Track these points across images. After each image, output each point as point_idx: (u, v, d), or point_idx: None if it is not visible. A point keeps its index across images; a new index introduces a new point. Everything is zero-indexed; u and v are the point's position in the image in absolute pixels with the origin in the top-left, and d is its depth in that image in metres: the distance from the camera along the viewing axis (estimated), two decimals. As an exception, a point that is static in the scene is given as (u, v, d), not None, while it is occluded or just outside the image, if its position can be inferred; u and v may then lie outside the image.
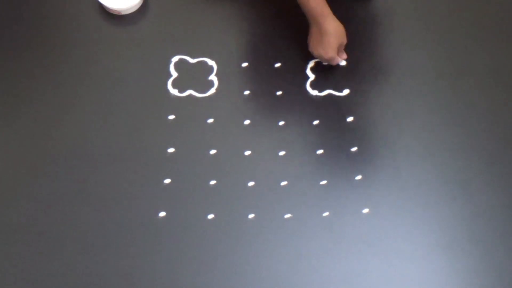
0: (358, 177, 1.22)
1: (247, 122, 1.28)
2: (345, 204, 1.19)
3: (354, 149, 1.25)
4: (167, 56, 1.35)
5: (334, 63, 1.27)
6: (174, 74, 1.33)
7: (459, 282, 1.13)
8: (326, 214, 1.19)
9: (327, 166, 1.23)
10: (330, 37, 1.22)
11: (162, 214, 1.19)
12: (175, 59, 1.35)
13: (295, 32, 1.37)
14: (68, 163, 1.24)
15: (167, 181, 1.22)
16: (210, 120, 1.29)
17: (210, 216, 1.19)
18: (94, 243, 1.17)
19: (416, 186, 1.21)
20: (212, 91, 1.32)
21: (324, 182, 1.22)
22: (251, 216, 1.19)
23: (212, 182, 1.22)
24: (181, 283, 1.13)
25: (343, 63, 1.32)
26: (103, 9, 1.41)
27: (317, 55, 1.26)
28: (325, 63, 1.32)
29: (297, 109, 1.29)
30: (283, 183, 1.22)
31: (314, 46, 1.25)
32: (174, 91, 1.32)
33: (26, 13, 1.42)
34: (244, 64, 1.35)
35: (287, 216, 1.19)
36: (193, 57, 1.35)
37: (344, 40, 1.25)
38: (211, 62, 1.34)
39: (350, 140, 1.26)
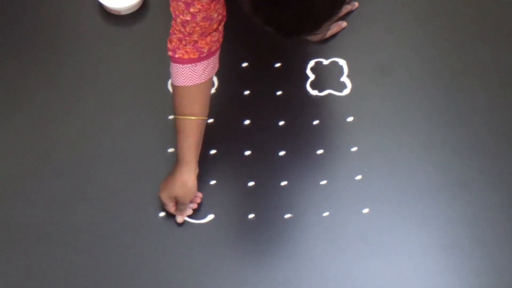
0: (358, 177, 1.22)
1: (247, 122, 1.28)
2: (345, 204, 1.19)
3: (354, 149, 1.25)
4: (167, 56, 1.34)
5: (167, 210, 1.16)
6: (174, 74, 1.33)
7: (459, 282, 1.13)
8: (326, 214, 1.19)
9: (327, 166, 1.23)
10: (171, 181, 1.13)
11: (162, 214, 1.19)
12: (175, 59, 1.35)
13: (295, 32, 1.37)
14: (67, 162, 1.24)
15: (167, 181, 1.22)
16: (210, 120, 1.29)
17: (211, 216, 1.19)
18: (93, 243, 1.17)
19: (416, 186, 1.21)
20: (212, 91, 1.32)
21: (324, 182, 1.22)
22: (251, 216, 1.19)
23: (212, 182, 1.22)
24: (181, 283, 1.13)
25: (178, 220, 1.17)
26: (103, 9, 1.41)
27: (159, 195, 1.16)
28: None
29: (297, 109, 1.29)
30: (283, 183, 1.22)
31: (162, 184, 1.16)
32: (174, 91, 1.32)
33: (26, 13, 1.42)
34: (244, 64, 1.35)
35: (287, 216, 1.19)
36: (193, 57, 1.35)
37: (183, 198, 1.13)
38: (211, 62, 1.34)
39: (350, 140, 1.26)
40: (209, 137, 1.27)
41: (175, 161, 1.15)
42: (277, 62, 1.34)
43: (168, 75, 1.33)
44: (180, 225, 1.18)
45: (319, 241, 1.16)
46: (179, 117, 1.12)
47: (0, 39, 1.39)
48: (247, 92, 1.31)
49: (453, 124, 1.27)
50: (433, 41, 1.37)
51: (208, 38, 1.07)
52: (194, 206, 1.18)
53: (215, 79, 1.33)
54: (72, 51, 1.37)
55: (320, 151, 1.25)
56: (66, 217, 1.19)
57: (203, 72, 1.10)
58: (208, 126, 1.28)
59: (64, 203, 1.20)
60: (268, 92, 1.31)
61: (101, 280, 1.13)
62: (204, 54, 1.09)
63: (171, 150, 1.25)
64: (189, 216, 1.18)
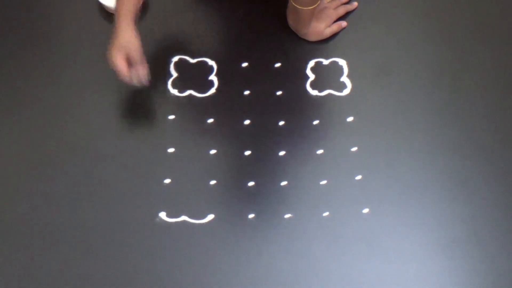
0: (358, 177, 1.22)
1: (247, 122, 1.28)
2: (345, 204, 1.19)
3: (354, 149, 1.25)
4: (167, 56, 1.35)
5: (119, 72, 1.16)
6: (174, 74, 1.33)
7: (459, 282, 1.13)
8: (326, 214, 1.19)
9: (327, 166, 1.23)
10: (115, 38, 1.16)
11: (162, 214, 1.19)
12: (175, 59, 1.35)
13: (295, 32, 1.37)
14: (68, 163, 1.24)
15: (167, 181, 1.22)
16: (210, 120, 1.29)
17: (211, 216, 1.19)
18: (93, 243, 1.17)
19: (416, 186, 1.21)
20: (212, 91, 1.32)
21: (324, 182, 1.22)
22: (251, 216, 1.19)
23: (212, 182, 1.22)
24: (181, 283, 1.13)
25: (140, 75, 1.17)
26: (103, 9, 1.41)
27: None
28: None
29: (297, 109, 1.29)
30: (283, 183, 1.22)
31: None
32: (174, 91, 1.32)
33: (26, 13, 1.42)
34: (244, 64, 1.35)
35: (287, 216, 1.19)
36: (193, 57, 1.35)
37: (132, 53, 1.15)
38: (211, 62, 1.35)
39: (350, 140, 1.25)
40: (209, 137, 1.27)
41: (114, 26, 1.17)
42: (277, 62, 1.34)
43: (168, 76, 1.33)
44: (180, 225, 1.18)
45: (319, 241, 1.16)
46: None
47: (0, 39, 1.39)
48: (247, 92, 1.31)
49: (453, 124, 1.27)
50: (433, 41, 1.37)
51: None
52: (145, 67, 1.18)
53: (215, 79, 1.33)
54: (71, 51, 1.37)
55: (320, 151, 1.25)
56: (66, 217, 1.19)
57: None
58: (208, 126, 1.28)
59: (64, 203, 1.20)
60: (268, 92, 1.31)
61: (101, 280, 1.13)
62: None
63: (171, 150, 1.25)
64: (189, 216, 1.18)
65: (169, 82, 1.32)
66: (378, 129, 1.27)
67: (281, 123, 1.28)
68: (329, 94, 1.31)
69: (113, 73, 1.33)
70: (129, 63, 1.17)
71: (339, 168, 1.23)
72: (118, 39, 1.17)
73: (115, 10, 1.18)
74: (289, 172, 1.23)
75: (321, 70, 1.34)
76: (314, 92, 1.31)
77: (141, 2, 1.19)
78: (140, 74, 1.18)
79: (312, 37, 1.35)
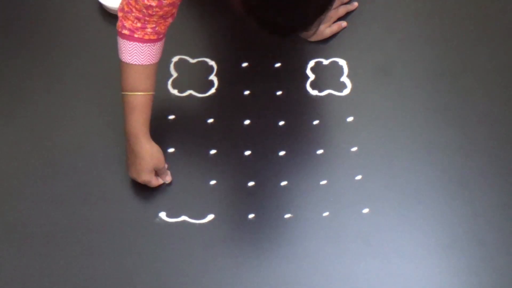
0: (358, 177, 1.22)
1: (247, 122, 1.28)
2: (345, 204, 1.19)
3: (354, 149, 1.25)
4: (167, 56, 1.34)
5: (152, 186, 1.19)
6: (174, 74, 1.34)
7: (459, 282, 1.13)
8: (326, 214, 1.19)
9: (327, 166, 1.23)
10: (141, 160, 1.16)
11: (162, 214, 1.19)
12: (175, 59, 1.35)
13: (295, 32, 1.37)
14: (68, 163, 1.24)
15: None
16: (210, 120, 1.29)
17: (211, 216, 1.19)
18: (94, 243, 1.17)
19: (416, 186, 1.21)
20: (212, 91, 1.32)
21: (324, 182, 1.22)
22: (251, 216, 1.19)
23: (212, 182, 1.22)
24: (181, 283, 1.13)
25: (167, 181, 1.21)
26: (103, 9, 1.41)
27: (131, 177, 1.20)
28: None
29: (297, 109, 1.29)
30: (283, 183, 1.22)
31: (129, 168, 1.19)
32: (174, 91, 1.32)
33: (26, 13, 1.42)
34: (244, 64, 1.35)
35: (287, 216, 1.19)
36: (193, 57, 1.35)
37: (159, 164, 1.18)
38: (211, 62, 1.35)
39: (350, 140, 1.25)
40: (209, 137, 1.27)
41: (128, 139, 1.16)
42: (277, 62, 1.34)
43: (168, 76, 1.33)
44: (180, 225, 1.18)
45: (319, 241, 1.16)
46: (133, 93, 1.15)
47: (0, 39, 1.39)
48: (247, 92, 1.31)
49: (453, 124, 1.27)
50: (433, 41, 1.37)
51: (167, 22, 1.13)
52: (169, 174, 1.22)
53: (215, 79, 1.33)
54: (72, 51, 1.37)
55: (320, 151, 1.25)
56: (66, 217, 1.19)
57: (158, 51, 1.15)
58: (208, 126, 1.28)
59: (64, 203, 1.20)
60: (268, 92, 1.31)
61: (101, 280, 1.13)
62: (161, 36, 1.14)
63: (171, 150, 1.25)
64: (189, 216, 1.18)
65: (169, 82, 1.32)
66: (378, 129, 1.27)
67: (281, 123, 1.28)
68: (329, 94, 1.31)
69: (112, 73, 1.34)
70: (155, 172, 1.20)
71: (339, 168, 1.23)
72: (143, 158, 1.16)
73: (132, 120, 1.15)
74: (289, 172, 1.23)
75: (321, 70, 1.34)
76: (314, 92, 1.31)
77: (150, 113, 1.18)
78: (166, 180, 1.21)
79: (312, 37, 1.35)
